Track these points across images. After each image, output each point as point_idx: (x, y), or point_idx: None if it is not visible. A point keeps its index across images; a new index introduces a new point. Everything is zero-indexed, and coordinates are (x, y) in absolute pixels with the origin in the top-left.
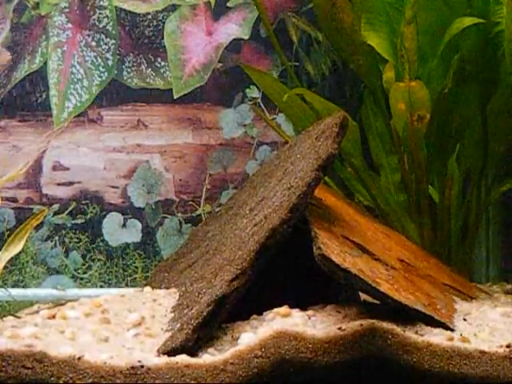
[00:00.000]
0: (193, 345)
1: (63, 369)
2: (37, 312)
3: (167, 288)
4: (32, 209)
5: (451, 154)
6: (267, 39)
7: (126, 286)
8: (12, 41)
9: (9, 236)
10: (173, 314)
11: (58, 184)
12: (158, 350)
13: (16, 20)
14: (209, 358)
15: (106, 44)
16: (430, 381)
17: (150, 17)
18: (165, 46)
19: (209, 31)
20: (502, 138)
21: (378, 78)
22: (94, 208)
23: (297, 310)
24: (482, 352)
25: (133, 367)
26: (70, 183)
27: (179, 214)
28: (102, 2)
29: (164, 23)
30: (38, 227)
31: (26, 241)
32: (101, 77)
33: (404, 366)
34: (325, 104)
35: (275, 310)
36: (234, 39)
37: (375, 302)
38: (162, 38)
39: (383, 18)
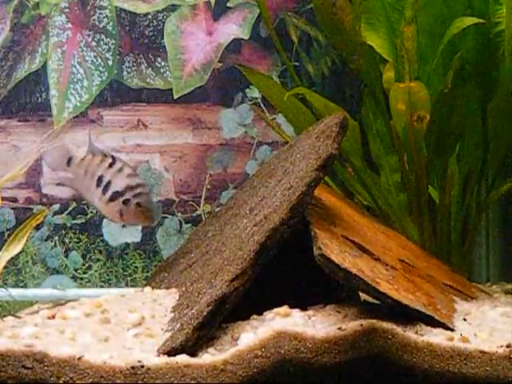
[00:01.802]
0: (193, 345)
1: (63, 369)
2: (37, 312)
3: (167, 288)
4: (32, 209)
5: (451, 154)
6: (267, 39)
7: (126, 285)
8: (12, 41)
9: (9, 236)
10: (173, 314)
11: (58, 184)
12: (158, 350)
13: (16, 20)
14: (209, 357)
15: (106, 44)
16: (430, 381)
17: (149, 17)
18: (165, 46)
19: (209, 31)
20: (502, 138)
21: (378, 77)
22: (93, 208)
23: (297, 310)
24: (482, 352)
25: (133, 367)
26: None
27: (179, 214)
28: (102, 2)
29: (164, 23)
30: (38, 227)
31: (26, 241)
32: (101, 77)
33: (404, 366)
34: (325, 104)
35: (275, 309)
36: (234, 39)
37: (375, 301)
38: (162, 38)
39: (383, 18)
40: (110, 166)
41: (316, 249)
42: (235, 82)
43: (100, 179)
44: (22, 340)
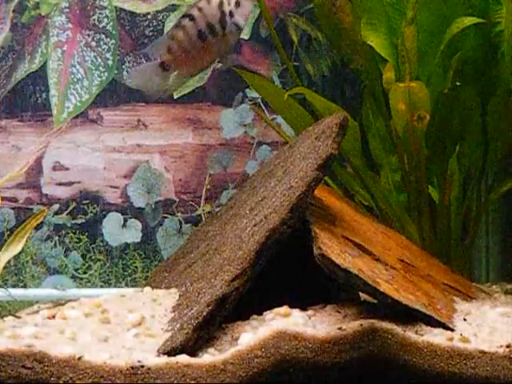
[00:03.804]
0: (193, 345)
1: (63, 369)
2: (37, 312)
3: (167, 288)
4: (32, 209)
5: (451, 154)
6: (267, 39)
7: (126, 286)
8: (12, 41)
9: (9, 236)
10: (173, 314)
11: (58, 184)
12: (158, 350)
13: (16, 20)
14: (209, 358)
15: (105, 44)
16: (430, 381)
17: (149, 17)
18: None
19: None
20: (502, 138)
21: (378, 77)
22: (93, 208)
23: (297, 309)
24: (482, 352)
25: (133, 367)
26: (70, 183)
27: (179, 214)
28: (101, 2)
29: (164, 23)
30: (38, 227)
31: (26, 241)
32: (101, 77)
33: (404, 365)
34: (325, 104)
35: (275, 309)
36: None
37: (375, 301)
38: None
39: (383, 18)
40: (199, 10)
41: (316, 249)
42: (235, 82)
43: (209, 28)
44: (22, 340)
